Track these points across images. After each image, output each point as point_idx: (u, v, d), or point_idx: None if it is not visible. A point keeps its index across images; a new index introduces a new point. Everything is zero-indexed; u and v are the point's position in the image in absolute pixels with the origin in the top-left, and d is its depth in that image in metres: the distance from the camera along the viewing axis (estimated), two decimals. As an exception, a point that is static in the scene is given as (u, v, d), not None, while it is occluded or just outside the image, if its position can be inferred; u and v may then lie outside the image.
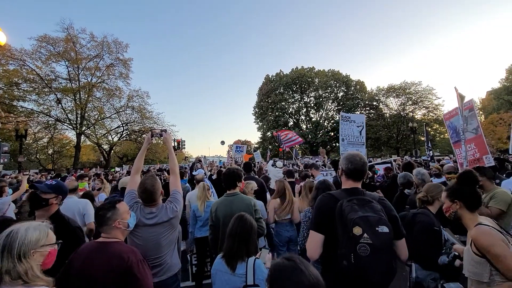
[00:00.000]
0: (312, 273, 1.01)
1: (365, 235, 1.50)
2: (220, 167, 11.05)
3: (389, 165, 7.51)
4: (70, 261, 1.69)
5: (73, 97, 26.47)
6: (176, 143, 22.94)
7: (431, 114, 37.23)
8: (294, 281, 0.96)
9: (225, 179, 2.92)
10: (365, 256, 1.48)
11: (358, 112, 38.73)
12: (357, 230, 1.52)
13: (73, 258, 1.70)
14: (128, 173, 10.45)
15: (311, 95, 42.86)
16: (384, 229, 1.54)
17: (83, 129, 27.18)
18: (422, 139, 32.48)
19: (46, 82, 24.77)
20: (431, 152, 10.48)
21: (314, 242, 1.75)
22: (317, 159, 14.14)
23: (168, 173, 6.83)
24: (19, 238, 1.24)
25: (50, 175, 12.83)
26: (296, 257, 1.07)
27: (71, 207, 3.20)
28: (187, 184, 5.61)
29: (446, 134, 38.29)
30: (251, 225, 2.05)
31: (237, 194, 2.88)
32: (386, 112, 40.49)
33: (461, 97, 4.13)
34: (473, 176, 2.75)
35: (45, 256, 1.33)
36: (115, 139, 32.13)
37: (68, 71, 26.55)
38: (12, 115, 23.59)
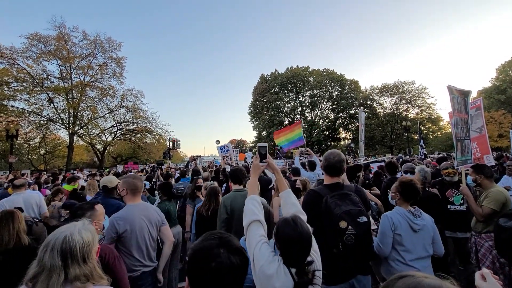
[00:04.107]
0: (304, 227, 1.32)
1: (350, 227, 1.78)
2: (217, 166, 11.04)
3: (383, 163, 7.59)
4: None
5: (66, 97, 25.87)
6: (171, 143, 22.74)
7: (424, 113, 37.74)
8: (288, 230, 1.29)
9: (234, 175, 3.24)
10: (351, 244, 1.77)
11: (353, 111, 39.09)
12: (343, 224, 1.79)
13: None
14: (121, 174, 10.34)
15: (306, 94, 42.94)
16: (364, 219, 1.84)
17: (76, 129, 26.65)
18: (416, 137, 32.91)
19: (37, 81, 24.23)
20: (424, 150, 10.64)
21: None
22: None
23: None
24: (78, 241, 1.23)
25: (47, 174, 12.60)
26: (297, 217, 1.38)
27: (28, 199, 4.00)
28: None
29: (439, 133, 38.94)
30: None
31: (245, 190, 2.97)
32: (380, 111, 40.89)
33: (464, 93, 3.83)
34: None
35: (96, 254, 1.37)
36: (109, 139, 31.65)
37: (60, 70, 25.95)
38: (2, 114, 23.05)
